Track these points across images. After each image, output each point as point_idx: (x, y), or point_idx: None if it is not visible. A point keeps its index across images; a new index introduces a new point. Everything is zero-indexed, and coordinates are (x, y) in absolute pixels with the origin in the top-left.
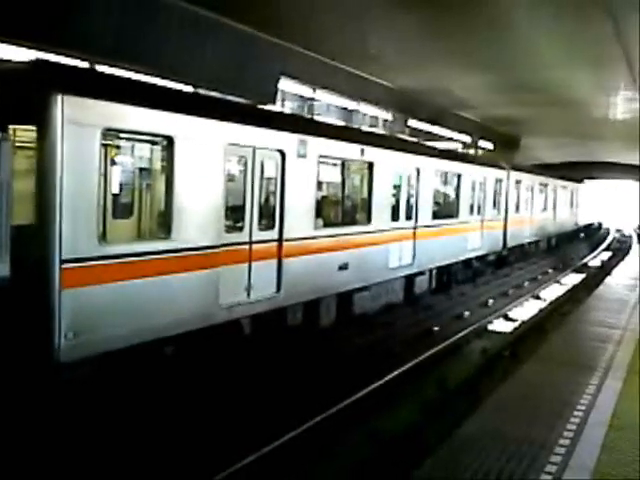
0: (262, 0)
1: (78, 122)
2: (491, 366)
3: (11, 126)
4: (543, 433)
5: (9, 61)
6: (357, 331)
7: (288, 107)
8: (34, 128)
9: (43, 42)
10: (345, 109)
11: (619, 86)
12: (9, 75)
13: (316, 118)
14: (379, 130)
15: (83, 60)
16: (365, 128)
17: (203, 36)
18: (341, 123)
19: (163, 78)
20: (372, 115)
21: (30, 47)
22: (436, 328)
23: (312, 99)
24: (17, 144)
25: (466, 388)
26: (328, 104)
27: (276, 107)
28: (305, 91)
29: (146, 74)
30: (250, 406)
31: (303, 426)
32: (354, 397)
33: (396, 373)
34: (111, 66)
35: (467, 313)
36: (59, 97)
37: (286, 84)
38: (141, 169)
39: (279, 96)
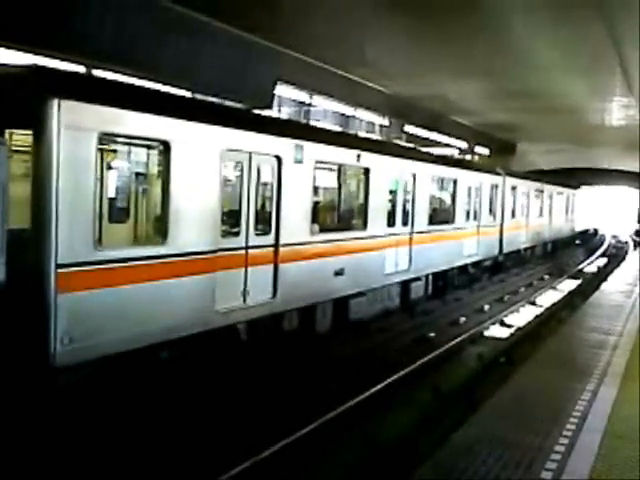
0: (259, 6)
1: (75, 126)
2: (487, 372)
3: (7, 130)
4: (539, 439)
5: (6, 65)
6: (353, 337)
7: (285, 112)
8: (31, 132)
9: (39, 46)
10: (342, 114)
11: (614, 92)
12: (6, 79)
13: (313, 123)
14: (375, 136)
15: (80, 64)
16: (361, 134)
17: (200, 41)
18: (337, 128)
19: (159, 83)
20: (368, 121)
21: (26, 51)
22: (432, 334)
23: (309, 104)
24: (13, 148)
25: (462, 394)
26: (325, 109)
27: (273, 112)
28: (302, 96)
29: (142, 79)
30: (245, 412)
31: (298, 433)
32: (350, 403)
33: (392, 379)
34: (108, 70)
35: (463, 319)
36: (56, 101)
37: (283, 89)
38: (137, 174)
39: (276, 101)
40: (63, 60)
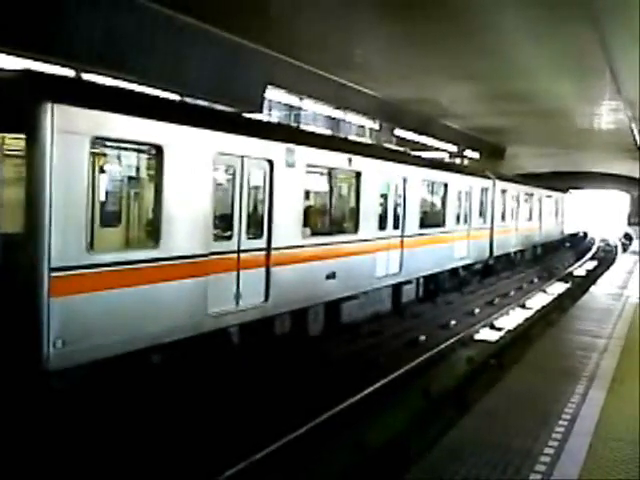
0: (249, 9)
1: (68, 130)
2: (477, 375)
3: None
4: (528, 442)
5: None
6: (344, 340)
7: (275, 116)
8: (24, 136)
9: (29, 50)
10: (332, 118)
11: (603, 96)
12: None
13: (304, 127)
14: (366, 139)
15: (69, 68)
16: (352, 137)
17: (190, 45)
18: (328, 132)
19: (149, 86)
20: (359, 124)
21: (16, 55)
22: (422, 337)
23: (299, 108)
24: (5, 152)
25: (452, 397)
26: (315, 113)
27: (263, 116)
28: (292, 100)
29: (131, 82)
30: (235, 415)
31: (289, 436)
32: (340, 406)
33: (383, 382)
34: (96, 74)
35: (453, 322)
36: (49, 106)
37: (273, 93)
38: (130, 177)
39: (266, 105)
40: (51, 63)
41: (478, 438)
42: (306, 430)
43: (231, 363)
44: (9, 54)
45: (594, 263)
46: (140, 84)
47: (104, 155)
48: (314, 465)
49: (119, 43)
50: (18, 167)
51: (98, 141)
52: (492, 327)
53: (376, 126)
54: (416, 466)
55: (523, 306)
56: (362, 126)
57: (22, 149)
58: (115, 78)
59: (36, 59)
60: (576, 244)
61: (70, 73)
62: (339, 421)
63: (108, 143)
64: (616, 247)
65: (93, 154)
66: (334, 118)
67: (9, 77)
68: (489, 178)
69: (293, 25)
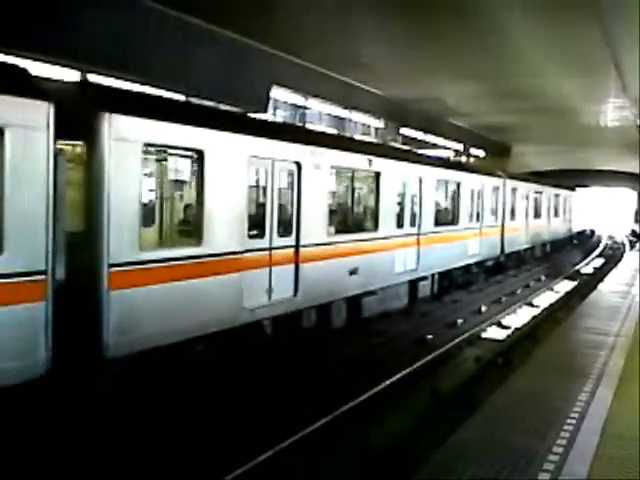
0: (253, 9)
1: (123, 138)
2: (485, 374)
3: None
4: (536, 441)
5: (58, 81)
6: (361, 334)
7: (280, 115)
8: (83, 144)
9: (31, 50)
10: (337, 117)
11: (609, 94)
12: (59, 94)
13: (316, 129)
14: (371, 138)
15: (72, 69)
16: (357, 136)
17: (194, 45)
18: (333, 131)
19: (154, 87)
20: (364, 123)
21: (20, 56)
22: (430, 336)
23: (304, 107)
24: (67, 158)
25: (460, 396)
26: (320, 112)
27: (268, 115)
28: (297, 99)
29: (136, 82)
30: (250, 410)
31: (295, 436)
32: (349, 405)
33: (390, 381)
34: (101, 75)
35: (460, 320)
36: (106, 116)
37: (278, 92)
38: (175, 180)
39: (271, 104)
40: (54, 64)
41: (486, 437)
42: (315, 428)
43: (263, 354)
44: (10, 54)
45: (601, 261)
46: (144, 84)
47: (153, 160)
48: (322, 464)
49: (123, 43)
50: (78, 172)
51: (148, 147)
52: (499, 325)
53: (382, 125)
54: (424, 465)
55: (530, 304)
56: (368, 125)
57: (82, 155)
58: (119, 78)
59: (38, 60)
60: (583, 242)
61: (74, 74)
62: (346, 420)
63: (157, 149)
64: (623, 244)
65: (144, 159)
66: (339, 117)
67: (68, 88)
68: (500, 177)
69: (298, 25)
